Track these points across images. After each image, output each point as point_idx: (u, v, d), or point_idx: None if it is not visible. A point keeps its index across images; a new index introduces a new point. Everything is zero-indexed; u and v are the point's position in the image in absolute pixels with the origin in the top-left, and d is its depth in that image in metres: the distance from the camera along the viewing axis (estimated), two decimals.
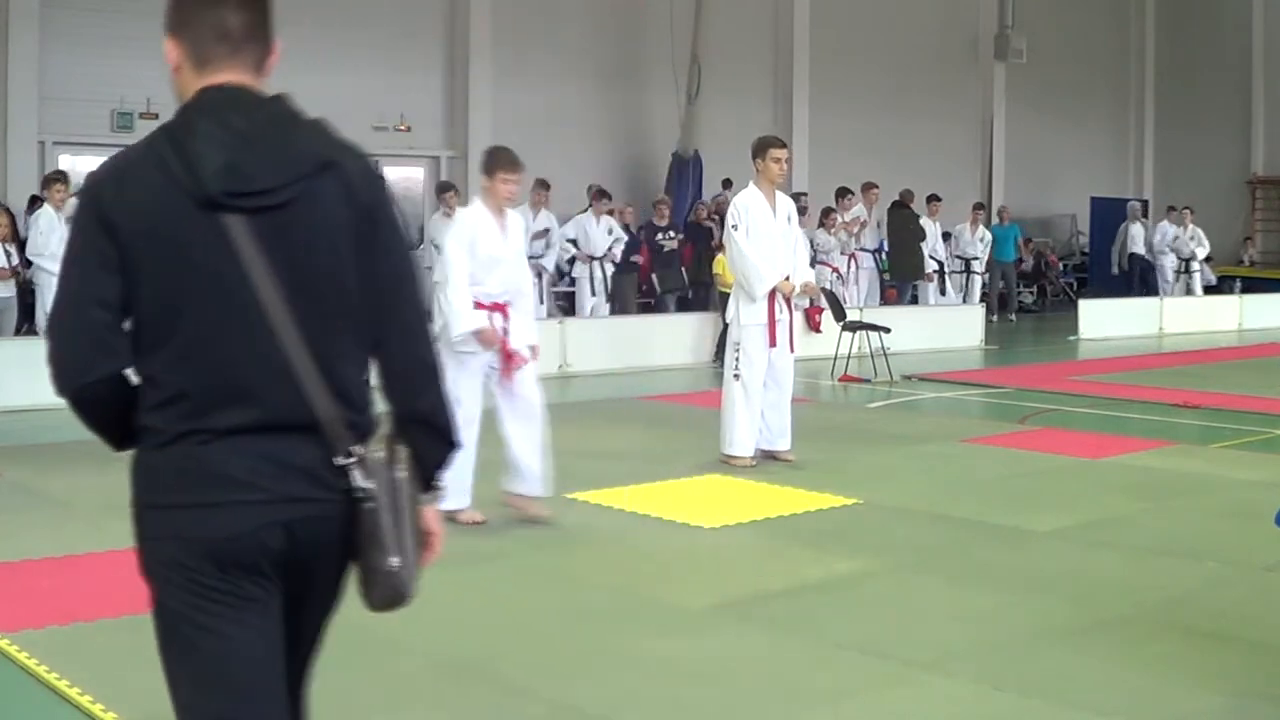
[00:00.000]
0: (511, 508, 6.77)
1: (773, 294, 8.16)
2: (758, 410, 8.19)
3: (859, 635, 4.84)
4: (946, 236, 19.54)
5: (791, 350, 8.38)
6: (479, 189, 6.83)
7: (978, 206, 19.91)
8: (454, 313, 6.49)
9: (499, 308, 6.63)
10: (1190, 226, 21.24)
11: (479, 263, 6.53)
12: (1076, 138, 26.89)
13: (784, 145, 8.42)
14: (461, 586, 5.52)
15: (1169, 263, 21.45)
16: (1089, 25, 27.22)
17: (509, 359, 6.66)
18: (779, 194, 8.37)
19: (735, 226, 8.18)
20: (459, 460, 6.50)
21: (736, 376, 8.19)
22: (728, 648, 4.71)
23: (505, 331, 6.63)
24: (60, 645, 4.61)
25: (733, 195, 17.56)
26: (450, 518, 6.63)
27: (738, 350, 8.23)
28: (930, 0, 24.16)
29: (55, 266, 11.29)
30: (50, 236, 11.42)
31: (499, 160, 6.66)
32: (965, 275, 19.25)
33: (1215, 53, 27.29)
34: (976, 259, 19.43)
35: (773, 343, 8.19)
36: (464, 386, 6.56)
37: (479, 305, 6.54)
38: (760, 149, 8.27)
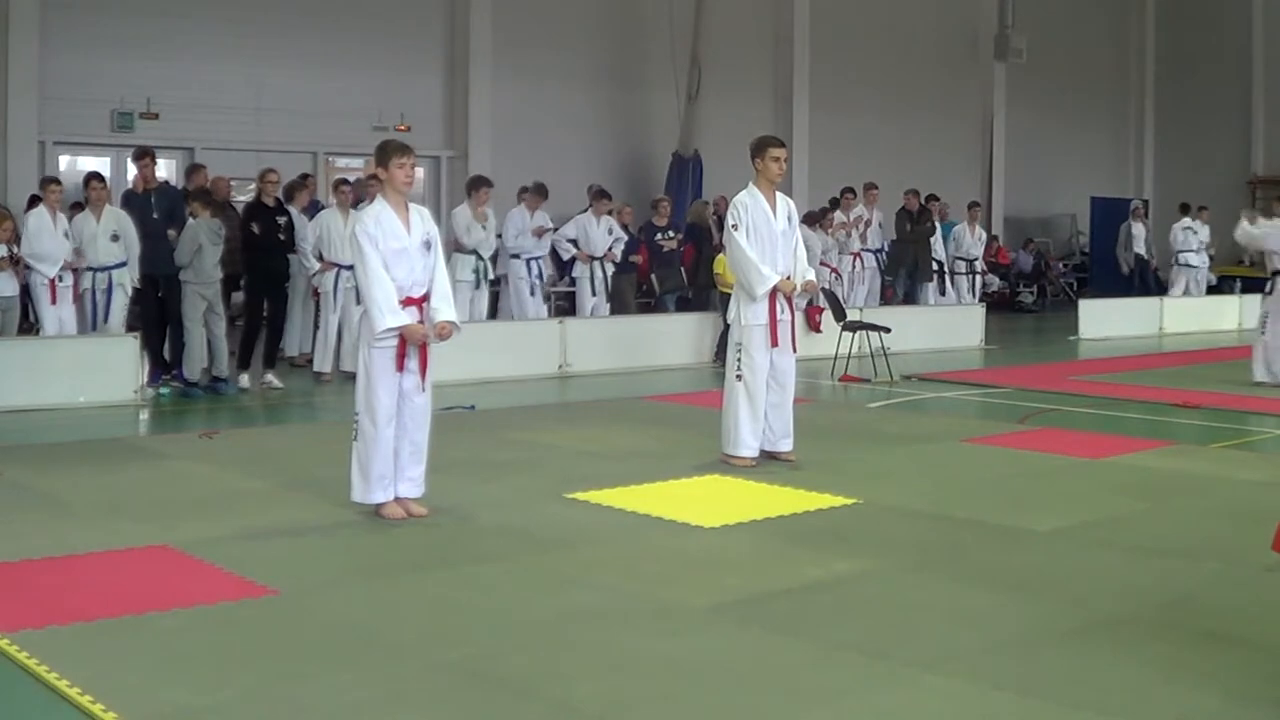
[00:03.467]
0: (401, 510, 6.74)
1: (774, 294, 8.16)
2: (760, 411, 8.19)
3: (859, 635, 4.84)
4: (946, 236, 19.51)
5: (794, 350, 8.37)
6: (380, 184, 6.80)
7: (973, 205, 19.87)
8: (375, 308, 6.52)
9: (412, 301, 6.64)
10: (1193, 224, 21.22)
11: (384, 256, 6.54)
12: (1076, 138, 26.91)
13: (782, 144, 8.40)
14: (461, 586, 5.53)
15: (1201, 261, 21.18)
16: (1089, 25, 27.25)
17: (424, 355, 6.68)
18: (779, 194, 8.37)
19: (735, 226, 8.17)
20: (380, 455, 6.51)
21: (739, 377, 8.19)
22: (728, 648, 4.71)
23: (421, 323, 6.66)
24: (60, 645, 4.61)
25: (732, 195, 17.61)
26: (376, 513, 6.67)
27: (739, 351, 8.23)
28: (930, 0, 24.17)
29: (50, 270, 11.28)
30: (41, 237, 11.35)
31: (389, 149, 6.70)
32: (970, 276, 19.19)
33: (1215, 53, 27.32)
34: (977, 258, 19.41)
35: (774, 343, 8.18)
36: (382, 384, 6.58)
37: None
38: (759, 148, 8.26)
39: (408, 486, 6.74)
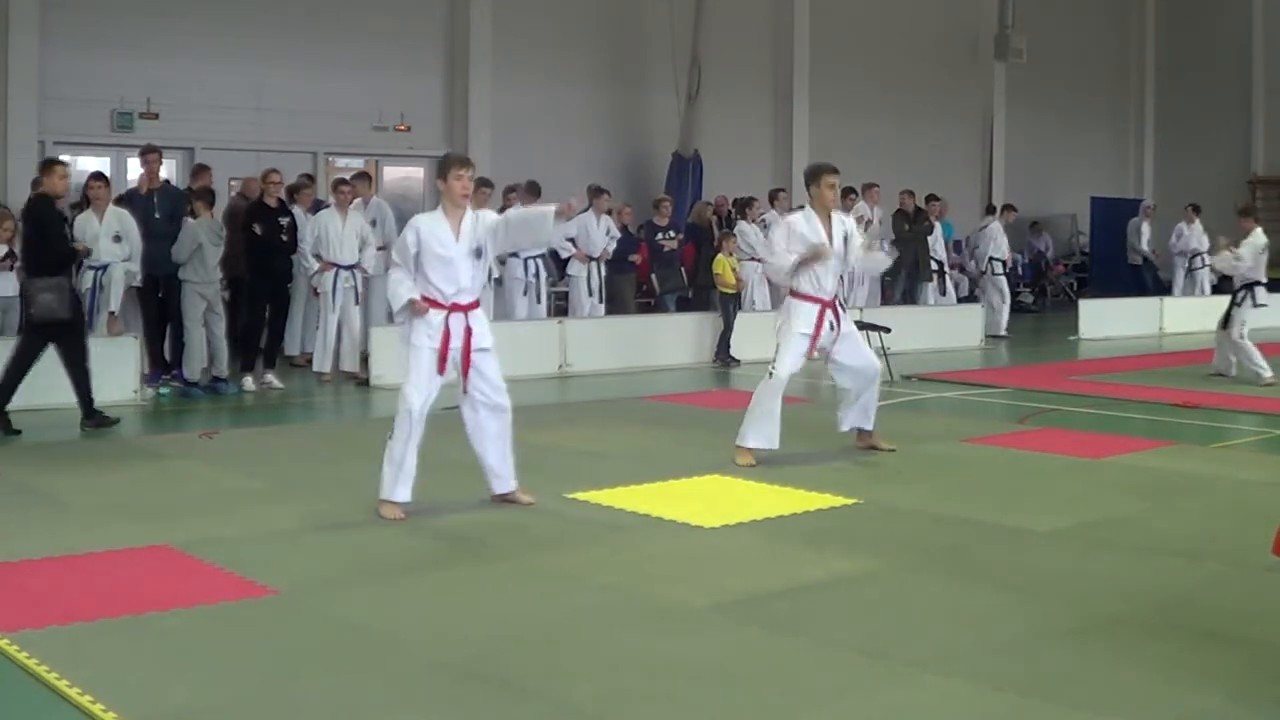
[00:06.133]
0: (509, 504, 6.95)
1: (822, 312, 8.27)
2: (778, 412, 8.23)
3: (859, 635, 4.84)
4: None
5: (859, 355, 8.50)
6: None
7: (1007, 208, 19.89)
8: (392, 293, 6.69)
9: (459, 308, 6.70)
10: (1195, 224, 21.22)
11: (428, 262, 6.65)
12: (1076, 138, 26.89)
13: (836, 171, 8.58)
14: (461, 586, 5.53)
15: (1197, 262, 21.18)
16: (1089, 25, 27.23)
17: (468, 361, 6.72)
18: (835, 214, 8.53)
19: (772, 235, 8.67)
20: (410, 451, 6.49)
21: (770, 374, 8.29)
22: (728, 648, 4.71)
23: (469, 331, 6.70)
24: (60, 645, 4.61)
25: (732, 195, 17.62)
26: (378, 512, 6.71)
27: (777, 350, 8.36)
28: (930, 0, 24.16)
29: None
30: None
31: (449, 161, 6.85)
32: (1003, 277, 19.04)
33: (1215, 53, 27.30)
34: (1004, 260, 19.27)
35: (810, 353, 8.35)
36: (416, 381, 6.64)
37: (434, 303, 6.65)
38: (814, 176, 8.50)
39: (504, 483, 6.95)
